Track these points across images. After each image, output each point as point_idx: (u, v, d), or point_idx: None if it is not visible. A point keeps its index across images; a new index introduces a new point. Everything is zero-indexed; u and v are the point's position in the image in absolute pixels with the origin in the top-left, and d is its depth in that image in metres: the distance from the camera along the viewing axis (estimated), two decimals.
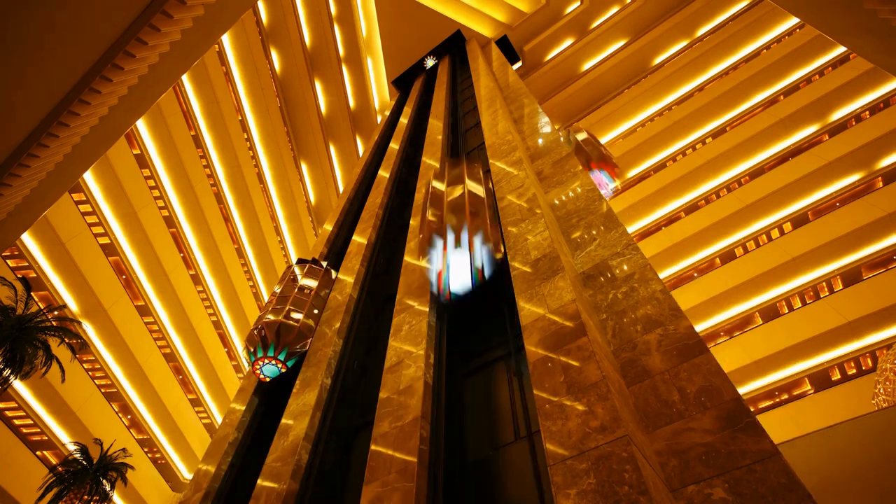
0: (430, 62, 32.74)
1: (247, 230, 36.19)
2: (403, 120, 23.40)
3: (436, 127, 16.58)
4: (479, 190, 8.39)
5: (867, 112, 22.75)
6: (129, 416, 30.06)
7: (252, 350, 9.56)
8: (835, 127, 23.22)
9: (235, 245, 35.65)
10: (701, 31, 29.97)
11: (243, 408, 9.73)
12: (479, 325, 7.51)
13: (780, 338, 19.73)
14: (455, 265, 6.90)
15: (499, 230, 7.54)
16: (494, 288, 7.22)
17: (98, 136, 11.99)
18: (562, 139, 10.81)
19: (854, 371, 18.84)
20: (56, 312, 21.93)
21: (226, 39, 30.23)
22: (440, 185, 9.19)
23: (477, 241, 6.95)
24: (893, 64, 9.20)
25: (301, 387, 8.48)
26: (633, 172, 29.34)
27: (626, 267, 6.05)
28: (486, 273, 6.80)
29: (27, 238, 23.45)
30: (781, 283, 21.24)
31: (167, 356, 31.49)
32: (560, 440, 3.99)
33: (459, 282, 6.90)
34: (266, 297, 39.39)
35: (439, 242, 7.20)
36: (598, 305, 5.81)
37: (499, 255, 7.06)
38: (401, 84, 33.82)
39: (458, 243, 6.89)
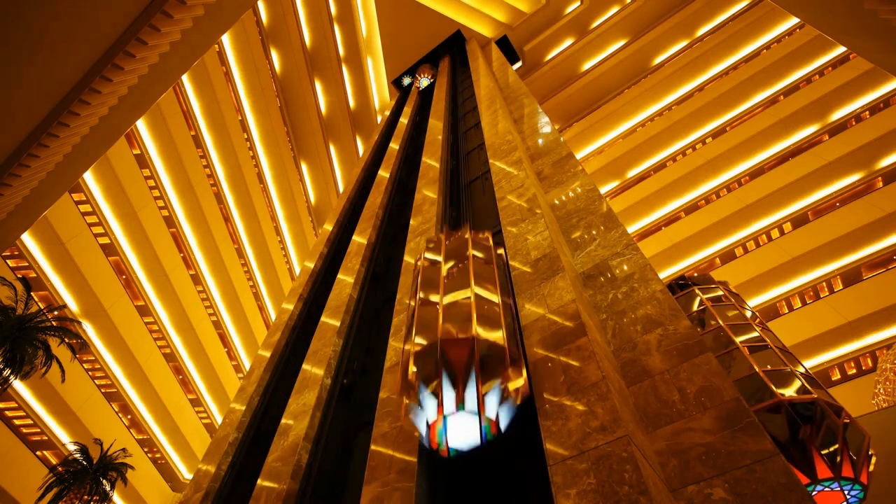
0: (424, 81, 29.55)
1: (247, 230, 36.20)
2: (403, 120, 23.41)
3: (436, 127, 16.58)
4: (493, 296, 5.24)
5: (867, 112, 22.74)
6: (129, 416, 30.07)
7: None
8: (835, 127, 23.22)
9: (235, 245, 35.65)
10: (701, 31, 29.97)
11: (243, 408, 9.73)
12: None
13: (781, 338, 19.71)
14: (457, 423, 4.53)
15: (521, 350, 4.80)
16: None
17: (98, 136, 11.99)
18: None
19: (854, 371, 18.83)
20: (56, 312, 21.93)
21: (226, 39, 30.22)
22: (435, 280, 5.74)
23: (492, 390, 4.45)
24: (893, 64, 9.20)
25: (301, 387, 8.48)
26: (633, 172, 29.35)
27: (626, 267, 6.05)
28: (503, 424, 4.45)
29: (27, 238, 23.45)
30: (781, 283, 21.24)
31: (167, 356, 31.49)
32: (560, 440, 3.99)
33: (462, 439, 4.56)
34: (266, 298, 39.40)
35: (430, 400, 4.55)
36: (598, 305, 5.81)
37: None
38: (401, 84, 33.83)
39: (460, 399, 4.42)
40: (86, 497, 22.48)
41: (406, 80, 32.41)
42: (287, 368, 10.86)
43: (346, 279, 11.21)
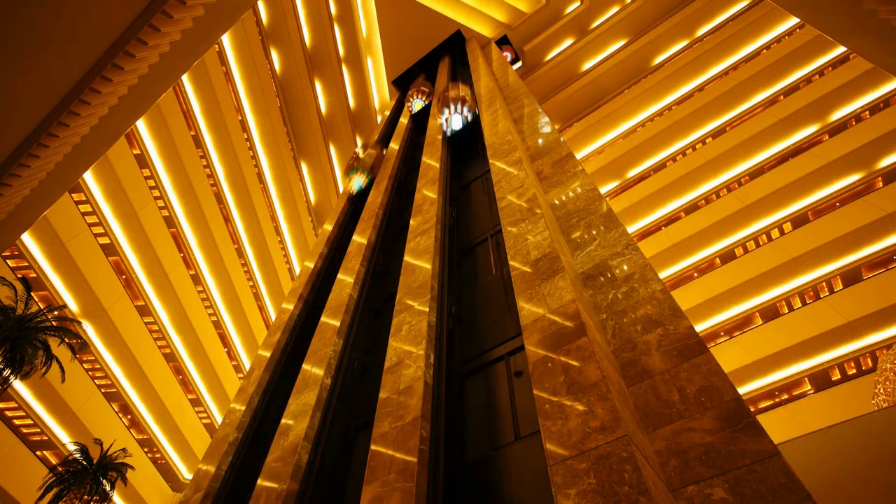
0: (417, 103, 24.57)
1: (247, 230, 36.19)
2: (403, 120, 23.40)
3: (436, 127, 16.56)
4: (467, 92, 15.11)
5: (867, 112, 22.74)
6: (129, 416, 30.06)
7: None
8: (835, 127, 23.22)
9: (235, 245, 35.64)
10: (701, 31, 29.96)
11: (243, 408, 9.73)
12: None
13: (780, 338, 19.73)
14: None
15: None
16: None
17: (98, 136, 11.98)
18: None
19: (854, 371, 18.84)
20: (56, 312, 21.95)
21: (226, 39, 30.22)
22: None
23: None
24: (893, 64, 9.20)
25: (301, 387, 8.48)
26: (633, 172, 29.35)
27: (626, 267, 6.05)
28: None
29: (27, 238, 23.45)
30: (781, 283, 21.23)
31: (167, 356, 31.49)
32: (560, 440, 3.99)
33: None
34: (266, 298, 39.40)
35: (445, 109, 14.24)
36: (598, 305, 5.81)
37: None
38: (401, 84, 33.80)
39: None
40: (86, 497, 22.50)
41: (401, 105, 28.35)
42: (287, 368, 10.86)
43: (346, 279, 11.21)
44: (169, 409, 31.36)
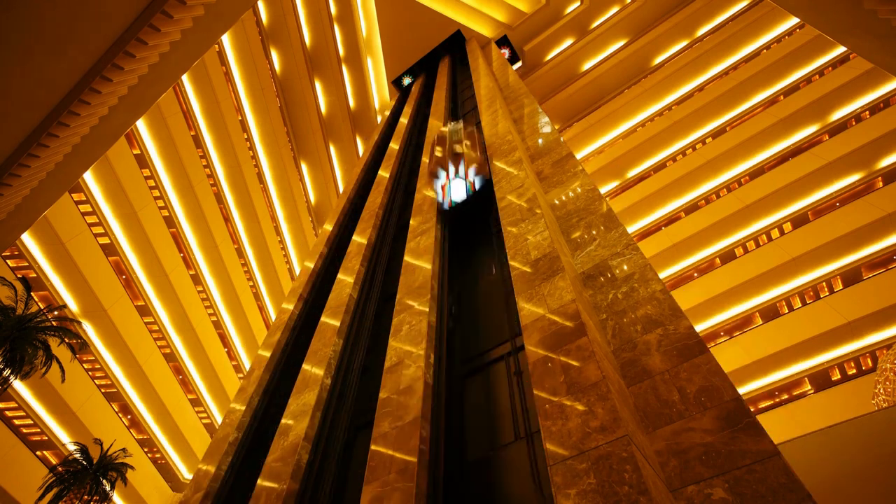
0: (406, 80, 33.85)
1: (247, 230, 36.19)
2: (403, 120, 23.40)
3: (436, 127, 16.56)
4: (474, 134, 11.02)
5: (867, 112, 22.73)
6: (129, 416, 30.06)
7: None
8: (835, 127, 23.21)
9: (235, 245, 35.64)
10: (701, 31, 29.97)
11: (243, 408, 9.72)
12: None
13: (780, 338, 19.72)
14: (455, 185, 9.59)
15: (486, 163, 10.15)
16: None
17: (98, 136, 11.99)
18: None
19: (854, 371, 18.83)
20: (56, 312, 21.95)
21: (226, 39, 30.22)
22: (444, 130, 11.42)
23: (471, 169, 9.61)
24: (893, 64, 9.20)
25: (301, 387, 8.48)
26: (633, 172, 29.35)
27: (626, 267, 6.05)
28: (478, 186, 9.45)
29: (27, 238, 23.45)
30: (781, 283, 21.23)
31: (167, 356, 31.49)
32: (560, 440, 3.99)
33: (458, 194, 9.55)
34: (266, 298, 39.39)
35: (442, 172, 9.97)
36: (598, 305, 5.81)
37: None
38: (401, 84, 33.83)
39: (456, 171, 9.53)
40: (86, 497, 22.50)
41: (406, 80, 33.32)
42: (287, 368, 10.86)
43: (346, 279, 11.21)
44: (169, 409, 31.36)
